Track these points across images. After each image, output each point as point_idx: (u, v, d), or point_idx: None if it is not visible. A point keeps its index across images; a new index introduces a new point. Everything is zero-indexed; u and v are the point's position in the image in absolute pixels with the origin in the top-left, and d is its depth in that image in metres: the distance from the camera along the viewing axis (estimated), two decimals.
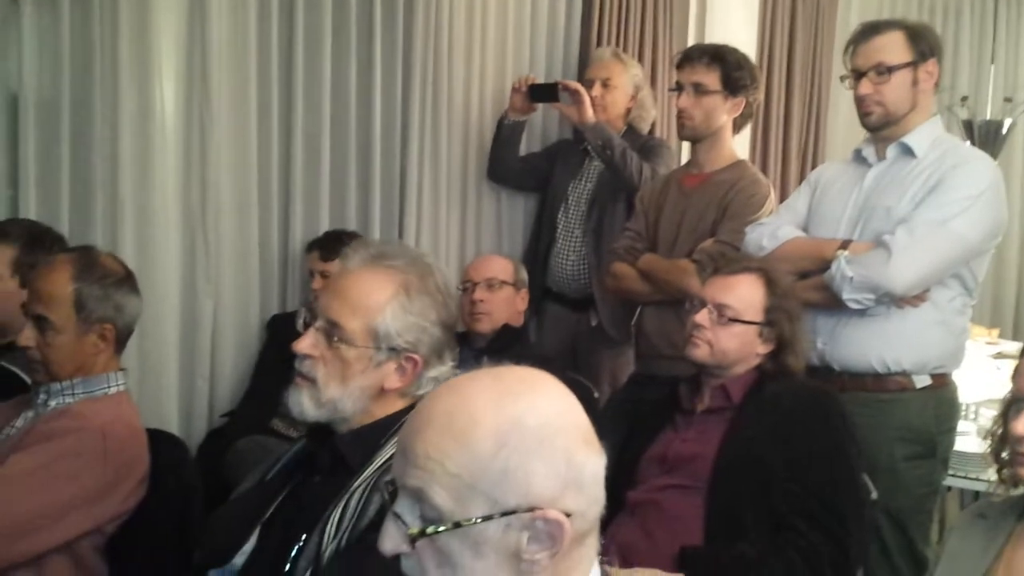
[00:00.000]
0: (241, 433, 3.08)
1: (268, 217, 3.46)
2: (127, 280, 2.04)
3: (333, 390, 1.57)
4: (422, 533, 0.98)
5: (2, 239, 2.40)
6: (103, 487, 1.89)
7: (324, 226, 3.49)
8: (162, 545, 1.99)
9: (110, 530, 1.94)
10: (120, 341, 2.04)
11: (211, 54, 3.21)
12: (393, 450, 1.44)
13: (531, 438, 0.98)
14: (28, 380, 2.14)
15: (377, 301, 1.57)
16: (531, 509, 0.97)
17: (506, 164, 3.77)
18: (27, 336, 1.95)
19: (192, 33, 3.20)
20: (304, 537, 1.50)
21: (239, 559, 1.59)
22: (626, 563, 1.96)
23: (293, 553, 1.50)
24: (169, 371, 3.22)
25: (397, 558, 1.02)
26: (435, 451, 0.98)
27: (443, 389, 1.04)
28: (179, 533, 2.02)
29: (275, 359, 3.19)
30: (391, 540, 1.00)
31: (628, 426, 2.39)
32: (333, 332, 1.57)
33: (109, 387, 2.02)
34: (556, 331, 3.62)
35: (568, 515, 0.98)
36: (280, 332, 3.29)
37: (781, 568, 1.95)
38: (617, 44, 3.86)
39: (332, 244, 3.24)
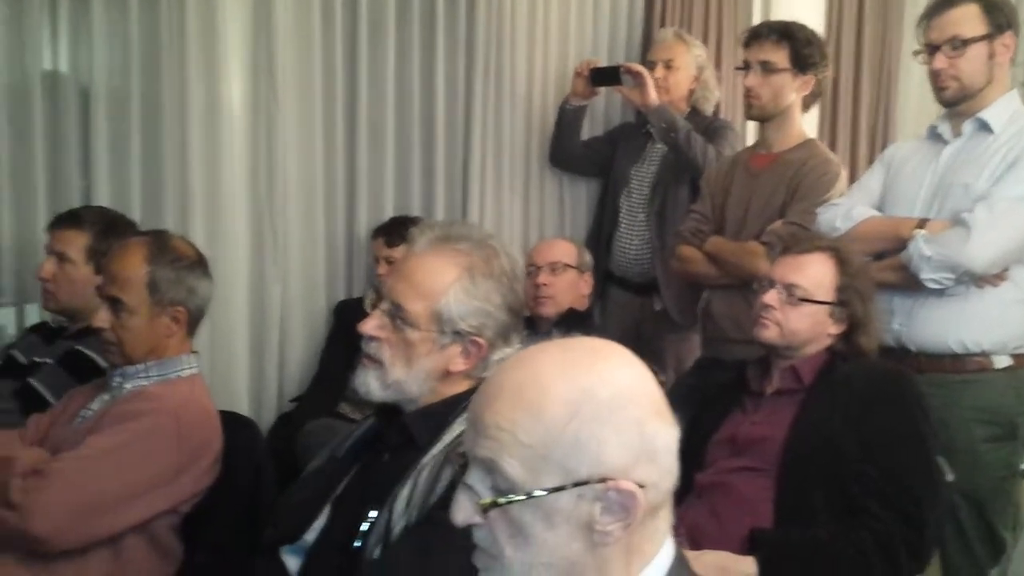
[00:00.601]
0: (309, 417, 3.11)
1: (334, 204, 3.50)
2: (199, 263, 2.07)
3: (398, 372, 1.58)
4: (494, 503, 0.97)
5: (77, 226, 2.46)
6: (177, 468, 1.92)
7: (389, 212, 3.52)
8: (234, 524, 2.02)
9: (185, 510, 1.97)
10: (192, 324, 2.07)
11: (277, 45, 3.26)
12: (461, 428, 1.44)
13: (603, 408, 0.97)
14: (104, 364, 2.19)
15: (440, 284, 1.57)
16: (603, 480, 0.96)
17: (568, 149, 3.74)
18: (102, 318, 1.98)
19: (258, 24, 3.25)
20: (374, 514, 1.51)
21: (310, 535, 1.61)
22: (695, 545, 1.95)
23: (363, 529, 1.51)
24: (239, 357, 3.27)
25: (469, 529, 1.01)
26: (506, 422, 0.97)
27: (513, 361, 1.04)
28: (251, 513, 2.04)
29: (342, 344, 3.23)
30: (463, 511, 1.00)
31: (695, 409, 2.36)
32: (397, 315, 1.58)
33: (182, 370, 2.05)
34: (619, 316, 3.59)
35: (641, 486, 0.97)
36: (347, 318, 3.32)
37: (853, 550, 1.91)
38: (680, 25, 3.80)
39: (397, 230, 3.26)
